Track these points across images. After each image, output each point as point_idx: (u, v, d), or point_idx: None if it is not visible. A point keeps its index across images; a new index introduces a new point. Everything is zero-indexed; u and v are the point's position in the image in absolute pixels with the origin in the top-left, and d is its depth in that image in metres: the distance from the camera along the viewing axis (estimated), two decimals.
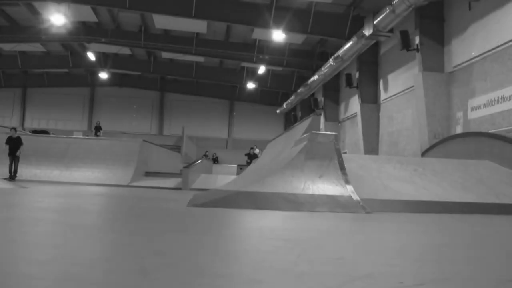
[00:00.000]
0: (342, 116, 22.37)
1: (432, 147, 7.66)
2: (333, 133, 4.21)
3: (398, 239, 2.68)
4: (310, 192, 3.59)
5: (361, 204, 3.58)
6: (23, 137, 17.93)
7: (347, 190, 3.71)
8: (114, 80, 30.89)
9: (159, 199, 5.63)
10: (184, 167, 15.11)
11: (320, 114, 5.98)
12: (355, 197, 3.67)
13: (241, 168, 20.70)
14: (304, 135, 4.31)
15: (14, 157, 13.22)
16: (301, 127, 5.31)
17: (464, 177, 5.09)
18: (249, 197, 3.39)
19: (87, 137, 21.53)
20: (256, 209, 3.24)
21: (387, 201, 3.91)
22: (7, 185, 6.71)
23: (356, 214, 3.36)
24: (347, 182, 3.80)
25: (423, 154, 7.88)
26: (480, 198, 4.39)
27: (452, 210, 3.95)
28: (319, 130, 4.46)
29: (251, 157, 17.86)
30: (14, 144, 13.26)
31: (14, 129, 13.59)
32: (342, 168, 3.90)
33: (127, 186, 14.84)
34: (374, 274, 1.49)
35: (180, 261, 1.57)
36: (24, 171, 15.39)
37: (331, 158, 3.93)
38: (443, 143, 7.10)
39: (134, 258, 1.56)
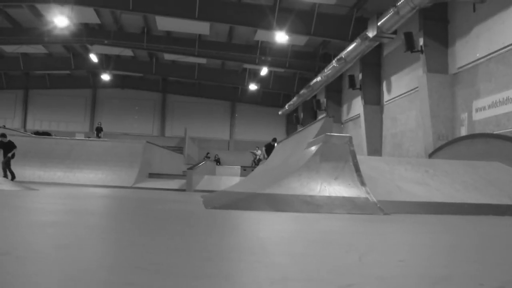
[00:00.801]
0: (344, 117, 22.39)
1: (439, 148, 7.67)
2: (347, 135, 4.22)
3: (441, 240, 2.65)
4: (326, 194, 3.60)
5: (378, 205, 3.59)
6: (26, 139, 17.96)
7: (363, 192, 3.72)
8: (116, 82, 30.93)
9: (170, 201, 5.62)
10: (188, 169, 15.13)
11: (333, 116, 5.99)
12: (372, 198, 3.68)
13: (244, 169, 20.69)
14: (317, 137, 4.32)
15: (8, 160, 13.22)
16: (313, 129, 5.32)
17: (475, 179, 5.11)
18: (268, 199, 3.40)
19: (90, 139, 21.52)
20: (275, 211, 3.25)
21: (401, 202, 3.92)
22: (16, 187, 6.72)
23: (375, 216, 3.37)
24: (363, 183, 3.81)
25: (431, 155, 7.89)
26: (493, 199, 4.40)
27: (467, 212, 3.96)
28: (331, 132, 4.49)
29: (270, 148, 17.68)
30: (7, 148, 13.28)
31: (4, 135, 13.52)
32: (357, 170, 3.92)
33: (131, 187, 14.84)
34: (452, 276, 1.47)
35: (257, 263, 1.54)
36: (28, 172, 15.42)
37: (346, 160, 3.94)
38: (451, 145, 7.11)
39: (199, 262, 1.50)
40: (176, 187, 15.22)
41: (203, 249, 1.82)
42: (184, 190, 14.32)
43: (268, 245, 2.12)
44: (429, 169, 5.24)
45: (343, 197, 3.59)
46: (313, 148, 4.11)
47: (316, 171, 3.79)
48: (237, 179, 16.23)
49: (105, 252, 1.72)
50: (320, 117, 19.83)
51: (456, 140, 7.33)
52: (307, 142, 4.86)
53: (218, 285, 1.24)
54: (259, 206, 3.29)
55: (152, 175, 16.60)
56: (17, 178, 13.04)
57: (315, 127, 5.33)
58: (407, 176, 4.97)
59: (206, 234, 2.37)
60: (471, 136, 6.49)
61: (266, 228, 2.72)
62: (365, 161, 5.10)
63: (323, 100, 23.13)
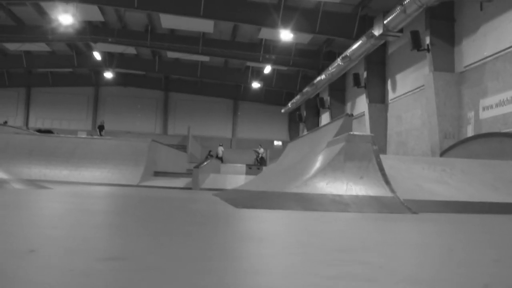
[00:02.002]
0: None
1: (451, 147, 7.69)
2: (370, 134, 4.24)
3: (503, 239, 2.60)
4: (353, 193, 3.62)
5: (405, 205, 3.61)
6: (31, 137, 17.96)
7: (388, 191, 3.75)
8: (119, 80, 30.91)
9: (186, 200, 5.59)
10: (194, 167, 15.14)
11: (352, 115, 6.00)
12: (399, 197, 3.70)
13: (250, 167, 20.71)
14: (338, 136, 4.34)
15: None
16: (331, 127, 5.34)
17: (493, 178, 5.13)
18: (297, 198, 3.42)
19: (95, 137, 21.52)
20: (305, 210, 3.27)
21: (425, 201, 3.94)
22: (30, 186, 6.74)
23: (405, 215, 3.39)
24: (388, 182, 3.83)
25: (442, 154, 7.91)
26: None
27: (490, 211, 3.98)
28: (351, 131, 4.51)
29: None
30: None
31: None
32: (382, 169, 3.94)
33: (137, 186, 14.85)
34: None
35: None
36: (34, 171, 15.40)
37: (370, 159, 3.97)
38: (463, 144, 7.14)
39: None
40: (182, 185, 15.22)
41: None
42: (190, 189, 14.34)
43: (372, 246, 2.05)
44: (446, 168, 5.26)
45: (370, 196, 3.61)
46: (336, 147, 4.13)
47: (341, 170, 3.81)
48: (242, 177, 16.26)
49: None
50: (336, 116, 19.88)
51: (468, 139, 7.36)
52: (326, 141, 4.88)
53: None
54: (289, 205, 3.32)
55: (157, 173, 16.61)
56: (23, 177, 13.05)
57: (333, 126, 5.35)
58: (425, 175, 4.99)
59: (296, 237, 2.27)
60: (484, 135, 6.52)
61: (319, 229, 2.61)
62: (382, 160, 5.11)
63: (326, 98, 23.14)
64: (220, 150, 29.65)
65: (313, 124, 26.91)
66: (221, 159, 28.68)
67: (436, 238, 2.52)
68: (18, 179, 7.10)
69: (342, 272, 1.39)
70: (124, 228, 2.51)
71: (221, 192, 6.99)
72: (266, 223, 2.81)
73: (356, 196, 3.60)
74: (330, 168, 3.80)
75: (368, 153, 4.00)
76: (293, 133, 32.52)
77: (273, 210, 3.15)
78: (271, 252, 1.75)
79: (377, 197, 3.64)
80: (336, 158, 3.89)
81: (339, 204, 3.46)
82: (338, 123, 5.28)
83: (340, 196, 3.56)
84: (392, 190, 3.77)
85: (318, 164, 4.20)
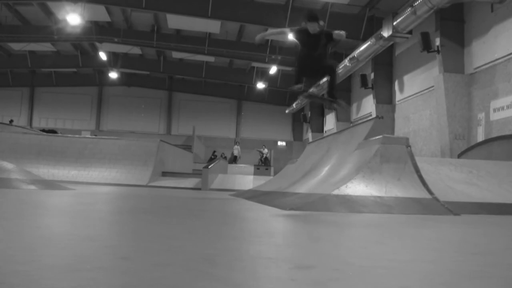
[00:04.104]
0: (354, 116, 22.45)
1: (470, 148, 7.72)
2: (405, 136, 4.28)
3: None
4: (393, 195, 3.65)
5: (445, 206, 3.65)
6: (40, 137, 17.98)
7: (426, 193, 3.79)
8: (123, 80, 30.91)
9: (220, 203, 5.43)
10: (204, 167, 15.17)
11: (382, 117, 6.03)
12: (438, 199, 3.74)
13: (258, 168, 20.71)
14: (371, 138, 4.37)
15: None
16: (360, 130, 5.36)
17: None
18: (340, 200, 3.46)
19: (103, 137, 21.51)
20: (350, 212, 3.30)
21: (461, 203, 3.97)
22: (53, 186, 6.76)
23: (449, 216, 3.43)
24: (425, 184, 3.87)
25: (460, 155, 7.95)
26: None
27: None
28: (382, 133, 4.53)
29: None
30: None
31: None
32: (417, 170, 3.97)
33: (146, 186, 14.89)
34: None
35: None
36: (42, 170, 15.41)
37: (406, 161, 4.00)
38: (482, 145, 7.17)
39: None
40: (190, 185, 15.26)
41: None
42: (199, 189, 14.37)
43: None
44: (472, 170, 5.29)
45: (410, 198, 3.65)
46: (370, 149, 4.17)
47: (378, 172, 3.85)
48: (251, 178, 16.28)
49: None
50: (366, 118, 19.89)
51: (487, 140, 7.40)
52: (355, 143, 4.91)
53: None
54: (334, 207, 3.35)
55: (165, 174, 16.65)
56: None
57: (363, 128, 5.38)
58: (454, 177, 5.02)
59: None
60: (508, 137, 6.55)
61: (390, 233, 2.53)
62: None
63: None
64: (236, 149, 29.44)
65: (318, 124, 26.94)
66: (235, 158, 28.54)
67: None
68: (40, 180, 7.10)
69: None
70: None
71: (243, 193, 7.01)
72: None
73: (396, 198, 3.63)
74: (368, 170, 3.83)
75: (404, 154, 4.03)
76: (297, 134, 32.56)
77: (328, 213, 3.17)
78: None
79: (417, 199, 3.68)
80: (372, 160, 3.92)
81: (382, 205, 3.50)
82: (368, 125, 5.31)
83: (380, 197, 3.59)
84: (431, 192, 3.81)
85: (353, 166, 4.23)
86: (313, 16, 5.18)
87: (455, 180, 4.88)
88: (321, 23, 5.11)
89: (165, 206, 4.32)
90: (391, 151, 4.05)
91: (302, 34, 5.20)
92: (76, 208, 3.71)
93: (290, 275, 1.24)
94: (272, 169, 24.49)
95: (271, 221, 2.86)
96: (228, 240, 2.11)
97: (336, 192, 3.54)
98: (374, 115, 18.35)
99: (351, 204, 3.43)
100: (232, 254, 1.64)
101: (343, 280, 1.22)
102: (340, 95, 20.68)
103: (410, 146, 4.14)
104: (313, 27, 4.94)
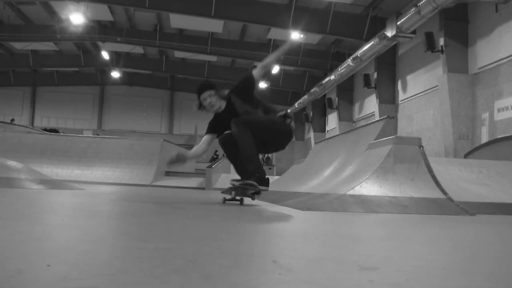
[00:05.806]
0: (356, 116, 22.46)
1: (476, 148, 7.73)
2: (417, 136, 4.29)
3: None
4: (408, 195, 3.66)
5: (460, 206, 3.66)
6: (43, 136, 17.99)
7: (440, 193, 3.80)
8: (124, 79, 30.91)
9: (232, 203, 5.29)
10: (207, 167, 15.19)
11: (393, 117, 6.04)
12: (452, 199, 3.75)
13: None
14: (383, 138, 4.38)
15: None
16: (370, 130, 5.38)
17: None
18: (356, 201, 3.47)
19: (106, 136, 21.51)
20: (367, 212, 3.31)
21: (474, 203, 3.98)
22: (62, 186, 6.76)
23: (465, 216, 3.44)
24: (438, 184, 3.88)
25: (467, 155, 7.96)
26: None
27: None
28: (394, 133, 4.55)
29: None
30: None
31: None
32: (430, 170, 3.98)
33: (150, 185, 14.90)
34: None
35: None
36: (45, 170, 15.39)
37: (418, 161, 4.01)
38: (490, 145, 7.18)
39: None
40: (194, 185, 15.27)
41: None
42: (203, 189, 14.39)
43: None
44: (482, 170, 5.30)
45: (425, 198, 3.66)
46: (383, 149, 4.18)
47: (392, 172, 3.86)
48: None
49: None
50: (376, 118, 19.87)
51: (494, 141, 7.41)
52: (366, 143, 4.92)
53: None
54: (350, 207, 3.36)
55: (168, 173, 16.66)
56: None
57: (372, 128, 5.39)
58: (464, 177, 5.02)
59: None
60: None
61: (416, 234, 2.47)
62: None
63: (334, 98, 23.18)
64: None
65: (320, 124, 26.94)
66: None
67: None
68: (49, 180, 7.09)
69: None
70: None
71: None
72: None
73: (411, 198, 3.64)
74: (382, 170, 3.84)
75: (416, 155, 4.04)
76: (299, 133, 32.54)
77: (347, 213, 3.17)
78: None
79: (432, 199, 3.68)
80: (386, 160, 3.93)
81: (397, 206, 3.51)
82: (379, 125, 5.33)
83: (395, 198, 3.60)
84: (444, 192, 3.82)
85: (365, 166, 4.24)
86: (203, 86, 4.39)
87: (467, 181, 4.89)
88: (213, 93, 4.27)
89: (193, 207, 4.28)
90: (404, 152, 4.06)
91: (215, 120, 4.44)
92: (100, 208, 3.68)
93: (366, 276, 1.24)
94: (274, 168, 24.49)
95: (296, 221, 2.84)
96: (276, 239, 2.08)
97: (351, 192, 3.55)
98: (377, 115, 18.36)
99: (367, 204, 3.44)
100: (291, 253, 1.62)
101: (413, 280, 1.22)
102: (343, 95, 20.57)
103: (422, 146, 4.14)
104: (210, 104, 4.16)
